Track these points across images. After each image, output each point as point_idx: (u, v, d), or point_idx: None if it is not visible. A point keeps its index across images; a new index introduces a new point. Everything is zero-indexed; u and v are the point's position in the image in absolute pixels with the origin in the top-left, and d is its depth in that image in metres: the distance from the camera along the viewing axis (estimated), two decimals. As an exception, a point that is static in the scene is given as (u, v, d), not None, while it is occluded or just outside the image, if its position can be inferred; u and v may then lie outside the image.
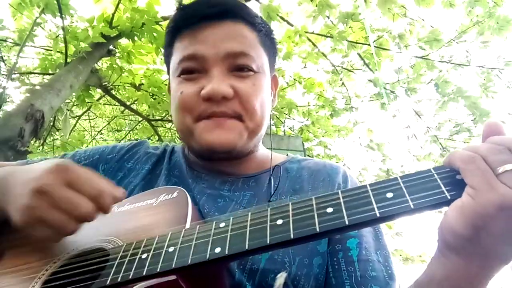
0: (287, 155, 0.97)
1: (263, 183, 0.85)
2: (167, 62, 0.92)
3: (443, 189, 0.47)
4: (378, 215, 0.47)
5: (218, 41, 0.80)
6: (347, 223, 0.47)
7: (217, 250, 0.52)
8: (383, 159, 5.47)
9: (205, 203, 0.78)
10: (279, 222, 0.52)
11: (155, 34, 3.26)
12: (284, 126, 5.44)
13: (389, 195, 0.48)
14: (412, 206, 0.46)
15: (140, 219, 0.69)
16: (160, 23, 3.39)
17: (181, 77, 0.82)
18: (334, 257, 0.75)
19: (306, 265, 0.72)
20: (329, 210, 0.50)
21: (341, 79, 4.87)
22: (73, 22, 3.18)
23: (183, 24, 0.84)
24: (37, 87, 2.86)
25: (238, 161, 0.88)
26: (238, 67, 0.81)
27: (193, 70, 0.81)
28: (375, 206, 0.48)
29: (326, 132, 5.34)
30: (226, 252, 0.51)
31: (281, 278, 0.66)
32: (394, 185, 0.49)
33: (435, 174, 0.49)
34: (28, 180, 0.60)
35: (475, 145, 0.48)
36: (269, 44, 0.90)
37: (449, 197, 0.46)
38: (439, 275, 0.52)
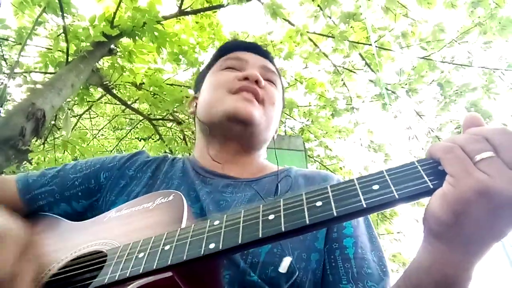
0: (284, 166, 1.05)
1: (264, 185, 0.91)
2: (203, 75, 1.12)
3: (426, 179, 0.49)
4: (364, 206, 0.48)
5: (257, 58, 1.07)
6: (335, 214, 0.49)
7: (211, 245, 0.53)
8: (384, 160, 5.47)
9: (209, 205, 0.81)
10: (271, 217, 0.53)
11: (156, 34, 3.27)
12: (285, 126, 5.44)
13: (375, 187, 0.50)
14: (396, 196, 0.48)
15: (136, 222, 0.71)
16: (161, 22, 3.40)
17: (224, 70, 1.03)
18: (331, 255, 0.78)
19: (304, 259, 0.74)
20: (319, 203, 0.51)
21: (342, 80, 4.87)
22: (74, 21, 3.19)
23: (232, 47, 1.10)
24: (38, 86, 2.86)
25: (242, 161, 0.98)
26: (268, 79, 1.04)
27: (234, 67, 1.03)
28: (361, 197, 0.49)
29: (326, 132, 5.34)
30: (220, 247, 0.52)
31: (287, 260, 0.70)
32: (379, 178, 0.51)
33: (418, 166, 0.51)
34: None
35: (454, 136, 0.51)
36: (282, 87, 1.15)
37: (431, 187, 0.48)
38: (426, 262, 0.54)
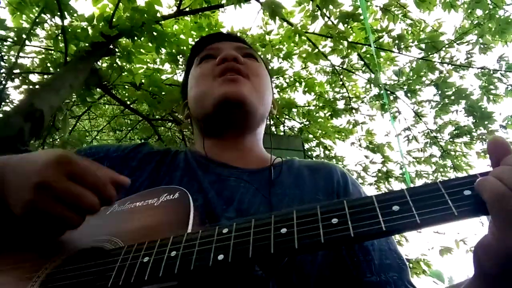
0: (286, 158, 1.04)
1: (267, 176, 0.89)
2: (186, 80, 1.10)
3: (451, 205, 0.46)
4: (384, 229, 0.46)
5: (229, 43, 1.06)
6: (352, 235, 0.47)
7: (220, 257, 0.51)
8: (382, 161, 5.47)
9: (213, 196, 0.80)
10: (283, 230, 0.51)
11: (155, 34, 3.25)
12: (284, 126, 5.44)
13: (395, 208, 0.48)
14: (418, 222, 0.45)
15: (141, 219, 0.68)
16: (160, 22, 3.38)
17: (201, 63, 1.03)
18: (350, 250, 0.77)
19: (310, 253, 0.73)
20: (334, 220, 0.50)
21: (341, 80, 4.86)
22: (73, 22, 3.17)
23: (203, 43, 1.08)
24: (37, 87, 2.84)
25: (243, 147, 0.97)
26: (246, 54, 1.03)
27: (210, 56, 1.02)
28: (381, 219, 0.47)
29: (325, 133, 5.34)
30: (229, 260, 0.51)
31: None
32: (400, 198, 0.49)
33: (442, 189, 0.48)
34: (28, 172, 0.59)
35: (504, 173, 0.46)
36: (264, 62, 1.12)
37: (456, 214, 0.45)
38: None
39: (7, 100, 3.11)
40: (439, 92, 4.35)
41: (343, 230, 0.48)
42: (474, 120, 4.27)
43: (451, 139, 4.79)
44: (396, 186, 5.50)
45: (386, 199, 0.49)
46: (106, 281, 0.55)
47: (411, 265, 5.29)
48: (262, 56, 1.15)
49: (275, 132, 5.08)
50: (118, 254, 0.59)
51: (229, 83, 0.92)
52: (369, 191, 5.61)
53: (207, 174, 0.87)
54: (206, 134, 0.99)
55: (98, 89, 3.86)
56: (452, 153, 4.86)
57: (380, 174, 5.38)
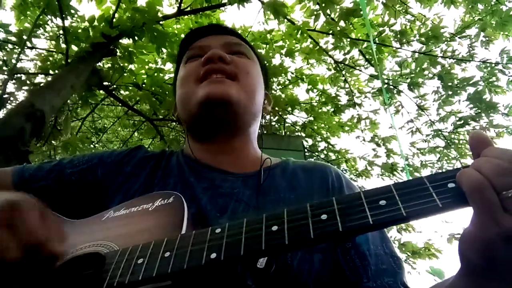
0: (281, 158, 1.02)
1: (260, 181, 0.88)
2: (177, 71, 1.07)
3: (435, 197, 0.47)
4: (371, 222, 0.47)
5: (218, 38, 1.01)
6: (340, 229, 0.48)
7: (213, 255, 0.52)
8: (387, 154, 5.46)
9: (207, 203, 0.79)
10: (274, 228, 0.52)
11: (155, 34, 3.25)
12: (284, 124, 5.43)
13: (382, 202, 0.49)
14: (404, 214, 0.47)
15: (135, 224, 0.69)
16: (160, 22, 3.38)
17: (188, 62, 0.99)
18: (347, 255, 0.77)
19: (307, 261, 0.72)
20: (324, 216, 0.51)
21: (343, 76, 4.85)
22: (73, 22, 3.18)
23: (191, 38, 1.04)
24: (38, 87, 2.85)
25: (235, 149, 0.94)
26: (235, 52, 0.98)
27: (197, 55, 0.97)
28: (368, 213, 0.48)
29: (329, 128, 5.33)
30: (222, 258, 0.51)
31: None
32: (387, 193, 0.50)
33: (427, 183, 0.49)
34: None
35: (481, 164, 0.48)
36: (259, 59, 1.07)
37: (440, 206, 0.47)
38: None
39: (10, 99, 3.12)
40: (442, 83, 4.33)
41: (332, 225, 0.49)
42: (478, 111, 4.25)
43: (454, 130, 4.79)
44: (401, 178, 5.50)
45: (374, 194, 0.51)
46: (101, 283, 0.56)
47: (421, 251, 5.31)
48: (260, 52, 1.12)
49: (278, 130, 5.08)
50: (113, 257, 0.60)
51: (213, 84, 0.89)
52: (375, 183, 5.62)
53: (199, 180, 0.86)
54: (196, 138, 0.97)
55: (101, 91, 3.87)
56: (456, 141, 4.88)
57: (384, 167, 5.38)
